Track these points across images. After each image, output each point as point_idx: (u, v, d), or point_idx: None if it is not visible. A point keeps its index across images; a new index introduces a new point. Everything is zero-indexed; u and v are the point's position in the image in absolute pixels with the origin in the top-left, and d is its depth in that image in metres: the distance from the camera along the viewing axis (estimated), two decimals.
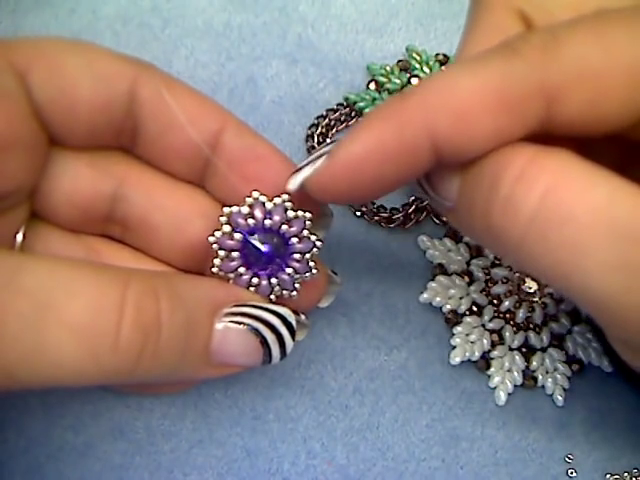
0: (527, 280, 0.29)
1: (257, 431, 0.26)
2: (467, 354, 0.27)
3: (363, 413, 0.27)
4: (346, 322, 0.28)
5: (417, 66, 0.33)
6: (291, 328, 0.20)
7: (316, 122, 0.32)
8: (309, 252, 0.21)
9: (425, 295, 0.28)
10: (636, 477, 0.27)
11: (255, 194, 0.20)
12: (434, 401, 0.27)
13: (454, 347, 0.27)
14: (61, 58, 0.19)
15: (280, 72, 0.33)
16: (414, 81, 0.32)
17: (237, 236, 0.20)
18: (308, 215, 0.20)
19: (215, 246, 0.20)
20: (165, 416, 0.25)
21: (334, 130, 0.32)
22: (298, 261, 0.21)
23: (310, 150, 0.31)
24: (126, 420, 0.25)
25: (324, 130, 0.32)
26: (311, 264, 0.21)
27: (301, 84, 0.33)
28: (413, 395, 0.27)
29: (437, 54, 0.34)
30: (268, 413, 0.26)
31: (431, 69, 0.33)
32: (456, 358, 0.27)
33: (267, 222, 0.20)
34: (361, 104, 0.31)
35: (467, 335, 0.28)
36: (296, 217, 0.20)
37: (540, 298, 0.29)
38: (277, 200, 0.20)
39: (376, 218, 0.30)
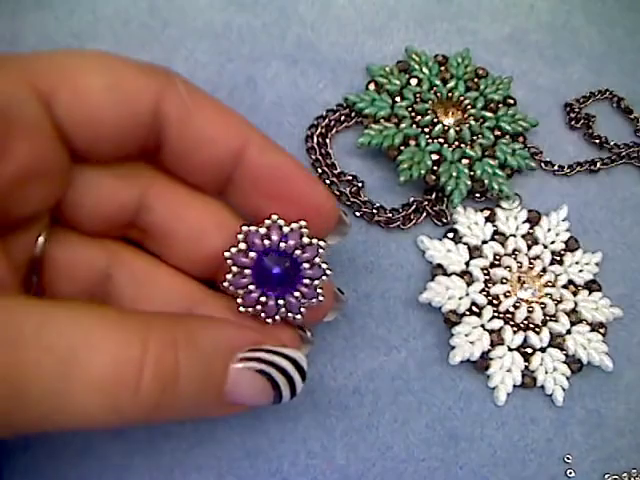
0: (526, 280, 0.29)
1: (257, 431, 0.26)
2: (466, 354, 0.27)
3: (362, 413, 0.27)
4: (345, 322, 0.28)
5: (416, 67, 0.33)
6: (302, 371, 0.21)
7: (315, 123, 0.32)
8: (318, 279, 0.21)
9: (424, 295, 0.28)
10: (635, 477, 0.27)
11: (274, 217, 0.20)
12: (433, 401, 0.27)
13: (453, 347, 0.27)
14: (85, 80, 0.19)
15: (280, 73, 0.33)
16: (413, 82, 0.32)
17: (251, 255, 0.20)
18: (322, 243, 0.21)
19: (229, 262, 0.20)
20: None
21: (333, 131, 0.32)
22: (307, 286, 0.21)
23: (310, 151, 0.31)
24: None
25: (323, 131, 0.32)
26: (319, 291, 0.21)
27: (301, 85, 0.33)
28: (412, 395, 0.27)
29: (436, 55, 0.34)
30: (268, 413, 0.26)
31: (430, 70, 0.33)
32: (455, 358, 0.27)
33: (282, 245, 0.20)
34: (360, 105, 0.31)
35: (466, 335, 0.28)
36: (310, 244, 0.21)
37: (539, 298, 0.29)
38: (294, 225, 0.20)
39: (376, 219, 0.30)
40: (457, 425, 0.27)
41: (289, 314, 0.21)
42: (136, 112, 0.19)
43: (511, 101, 0.33)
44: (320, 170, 0.31)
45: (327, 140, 0.32)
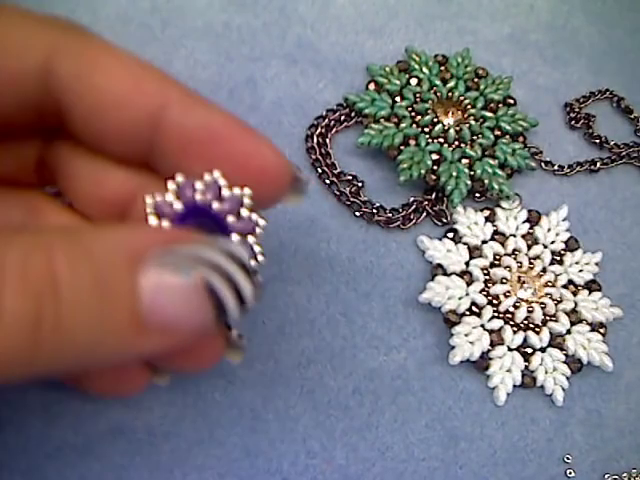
0: (526, 280, 0.29)
1: (257, 431, 0.25)
2: (466, 354, 0.27)
3: (362, 413, 0.27)
4: (345, 322, 0.28)
5: (416, 67, 0.33)
6: (245, 268, 0.15)
7: (315, 123, 0.32)
8: (251, 233, 0.18)
9: (424, 295, 0.28)
10: (635, 477, 0.27)
11: (179, 178, 0.17)
12: (433, 401, 0.27)
13: (453, 347, 0.27)
14: None
15: (280, 73, 0.33)
16: (413, 81, 0.32)
17: (165, 224, 0.17)
18: (247, 191, 0.17)
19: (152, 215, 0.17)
20: (165, 416, 0.25)
21: (333, 130, 0.32)
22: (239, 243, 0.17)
23: (310, 151, 0.31)
24: (126, 420, 0.25)
25: (323, 131, 0.32)
26: (256, 249, 0.18)
27: (301, 85, 0.33)
28: (412, 395, 0.27)
29: (436, 55, 0.34)
30: (268, 413, 0.26)
31: (430, 70, 0.33)
32: (455, 358, 0.27)
33: (198, 197, 0.17)
34: (361, 105, 0.31)
35: (466, 335, 0.28)
36: (232, 195, 0.17)
37: (539, 298, 0.29)
38: (207, 177, 0.17)
39: (376, 219, 0.30)
40: (457, 425, 0.27)
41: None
42: (21, 69, 0.17)
43: (511, 101, 0.33)
44: (320, 170, 0.31)
45: (327, 140, 0.32)
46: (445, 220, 0.31)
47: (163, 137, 0.18)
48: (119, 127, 0.18)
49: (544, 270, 0.30)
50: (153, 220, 0.17)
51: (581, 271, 0.30)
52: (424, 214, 0.31)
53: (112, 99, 0.17)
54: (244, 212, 0.17)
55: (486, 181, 0.30)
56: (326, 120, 0.32)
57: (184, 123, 0.18)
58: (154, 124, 0.18)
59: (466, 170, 0.30)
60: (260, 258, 0.18)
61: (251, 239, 0.18)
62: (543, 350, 0.28)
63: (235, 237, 0.17)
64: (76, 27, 0.18)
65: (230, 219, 0.17)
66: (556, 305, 0.29)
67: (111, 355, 0.15)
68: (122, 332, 0.14)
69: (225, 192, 0.17)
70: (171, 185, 0.17)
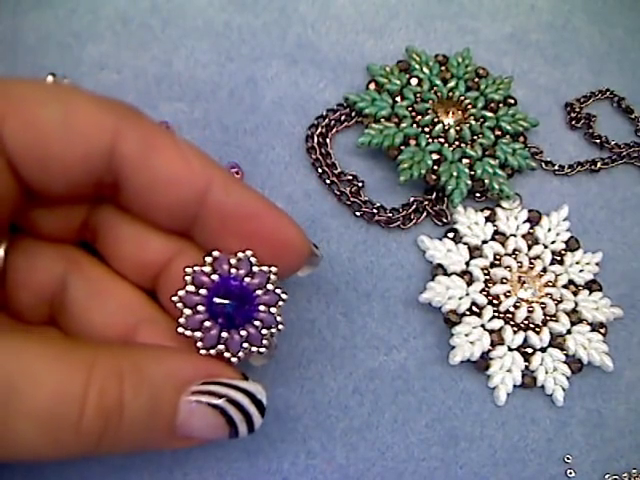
0: (527, 280, 0.29)
1: (257, 431, 0.25)
2: (466, 354, 0.27)
3: (362, 413, 0.27)
4: (345, 322, 0.28)
5: (417, 67, 0.33)
6: (260, 406, 0.20)
7: (316, 122, 0.32)
8: (274, 305, 0.20)
9: (425, 295, 0.28)
10: (635, 477, 0.27)
11: (215, 253, 0.20)
12: (433, 401, 0.27)
13: (453, 347, 0.27)
14: (36, 109, 0.18)
15: (280, 72, 0.33)
16: (413, 81, 0.32)
17: (202, 292, 0.20)
18: (274, 269, 0.20)
19: (179, 305, 0.20)
20: None
21: (334, 130, 0.32)
22: (264, 312, 0.20)
23: (310, 151, 0.31)
24: None
25: (324, 130, 0.32)
26: (278, 319, 0.20)
27: (301, 84, 0.33)
28: (412, 395, 0.27)
29: (436, 55, 0.34)
30: (268, 413, 0.26)
31: (431, 70, 0.33)
32: (455, 358, 0.27)
33: (232, 271, 0.20)
34: (361, 104, 0.31)
35: (466, 335, 0.28)
36: (260, 271, 0.20)
37: (539, 298, 0.29)
38: (241, 255, 0.20)
39: (376, 218, 0.30)
40: (457, 425, 0.27)
41: (252, 348, 0.20)
42: (88, 149, 0.19)
43: (511, 101, 0.33)
44: (320, 170, 0.31)
45: (327, 140, 0.32)
46: (445, 220, 0.31)
47: (205, 212, 0.20)
48: (170, 202, 0.20)
49: (544, 270, 0.30)
50: (191, 288, 0.20)
51: (581, 271, 0.30)
52: (424, 214, 0.31)
53: (166, 178, 0.20)
54: (270, 287, 0.20)
55: (486, 181, 0.30)
56: (326, 120, 0.32)
57: (225, 201, 0.20)
58: (200, 201, 0.20)
59: (466, 170, 0.30)
60: (281, 327, 0.21)
61: (274, 310, 0.20)
62: (543, 350, 0.28)
63: (262, 308, 0.20)
64: (134, 111, 0.20)
65: (258, 292, 0.20)
66: (556, 305, 0.29)
67: (146, 449, 0.21)
68: (160, 438, 0.19)
69: (255, 269, 0.20)
70: (209, 259, 0.20)
